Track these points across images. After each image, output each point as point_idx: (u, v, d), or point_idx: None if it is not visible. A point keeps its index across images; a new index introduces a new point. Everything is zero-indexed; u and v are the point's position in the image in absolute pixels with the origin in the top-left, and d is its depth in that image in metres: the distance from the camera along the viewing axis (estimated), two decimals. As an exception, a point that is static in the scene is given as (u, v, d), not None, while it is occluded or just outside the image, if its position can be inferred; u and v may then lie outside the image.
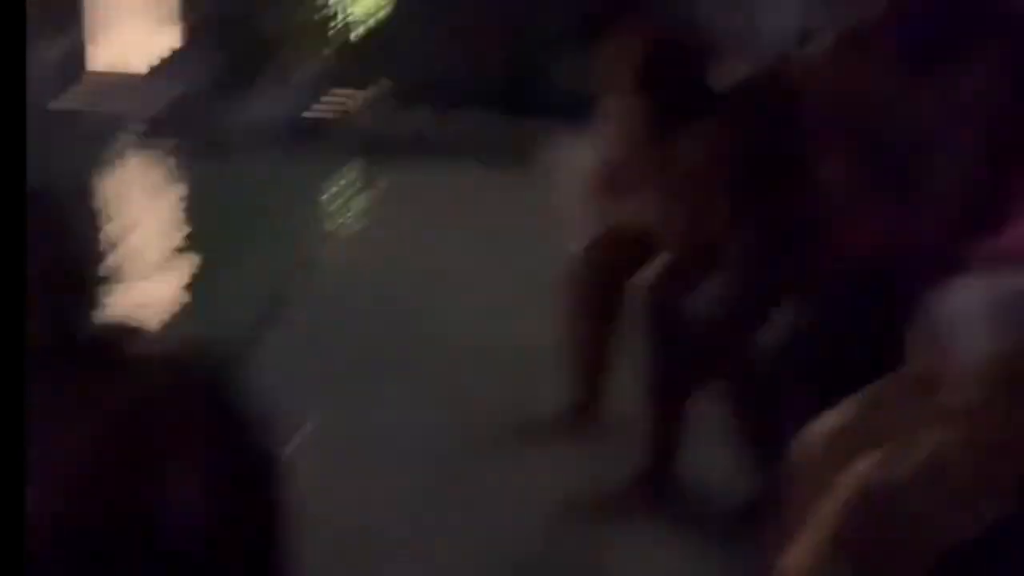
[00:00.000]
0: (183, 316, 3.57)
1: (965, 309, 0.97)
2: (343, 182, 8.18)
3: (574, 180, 5.90)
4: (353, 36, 11.96)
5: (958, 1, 1.42)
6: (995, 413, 0.91)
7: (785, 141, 1.69)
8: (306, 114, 9.25)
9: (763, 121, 1.79)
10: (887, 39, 1.45)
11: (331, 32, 12.19)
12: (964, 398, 0.93)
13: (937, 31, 1.37)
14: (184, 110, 8.83)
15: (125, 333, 0.96)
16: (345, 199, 7.29)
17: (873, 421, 1.01)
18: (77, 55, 11.48)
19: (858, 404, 1.04)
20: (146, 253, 4.71)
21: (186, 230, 5.48)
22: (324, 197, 7.39)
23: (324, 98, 10.16)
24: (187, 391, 0.92)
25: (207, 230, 5.44)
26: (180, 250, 4.88)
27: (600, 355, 2.35)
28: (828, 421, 1.08)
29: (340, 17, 12.36)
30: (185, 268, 4.51)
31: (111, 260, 3.55)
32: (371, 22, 11.78)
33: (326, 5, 12.23)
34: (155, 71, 10.19)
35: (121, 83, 10.26)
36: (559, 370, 2.38)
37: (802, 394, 1.42)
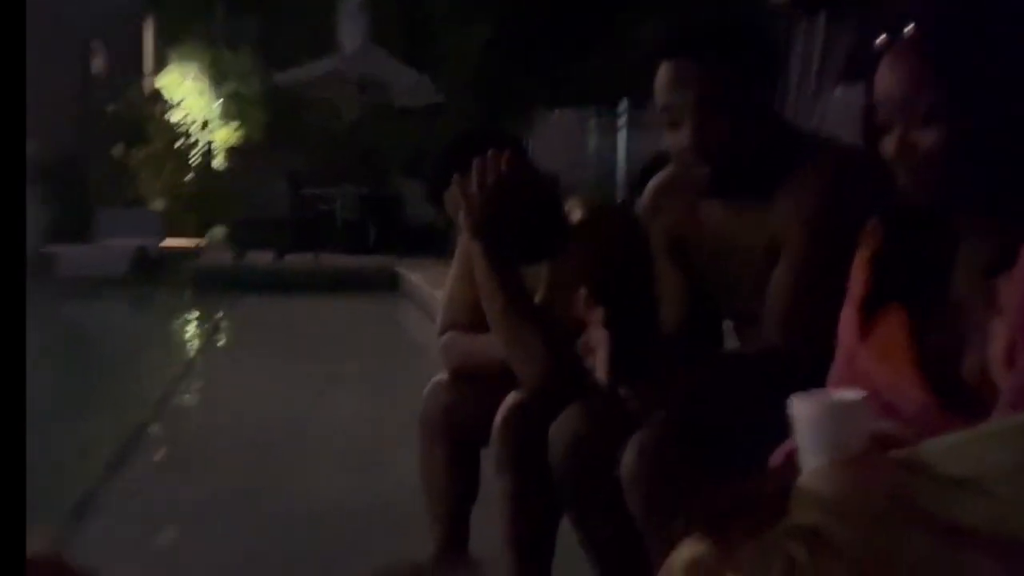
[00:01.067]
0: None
1: (803, 420, 0.95)
2: (188, 318, 8.14)
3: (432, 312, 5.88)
4: (189, 179, 12.07)
5: None
6: (839, 528, 0.90)
7: (634, 272, 1.73)
8: (145, 256, 9.01)
9: (610, 248, 1.81)
10: (713, 184, 1.51)
11: (167, 172, 12.13)
12: (808, 514, 0.92)
13: (735, 168, 1.47)
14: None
15: None
16: (191, 335, 7.20)
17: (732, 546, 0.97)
18: None
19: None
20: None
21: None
22: (170, 333, 7.27)
23: (167, 239, 10.04)
24: None
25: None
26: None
27: (457, 495, 2.20)
28: (687, 551, 1.00)
29: (183, 160, 12.35)
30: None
31: None
32: (215, 164, 11.83)
33: (169, 145, 12.25)
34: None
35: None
36: (421, 515, 2.21)
37: (663, 521, 1.34)
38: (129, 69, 12.66)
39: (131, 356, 6.32)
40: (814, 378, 1.15)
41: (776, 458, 1.10)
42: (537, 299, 1.88)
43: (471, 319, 2.06)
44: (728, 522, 0.97)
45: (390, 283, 8.55)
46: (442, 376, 2.16)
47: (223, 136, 12.50)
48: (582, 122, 8.69)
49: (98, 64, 12.18)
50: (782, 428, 1.01)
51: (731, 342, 1.68)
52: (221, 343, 6.65)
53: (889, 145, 1.05)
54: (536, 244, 1.90)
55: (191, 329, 7.60)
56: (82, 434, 3.62)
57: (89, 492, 2.85)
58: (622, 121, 8.18)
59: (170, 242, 10.28)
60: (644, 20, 7.66)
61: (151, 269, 9.04)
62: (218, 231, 11.16)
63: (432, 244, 9.30)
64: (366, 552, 2.39)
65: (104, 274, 8.56)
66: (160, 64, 13.19)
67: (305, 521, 2.68)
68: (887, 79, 1.04)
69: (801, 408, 0.96)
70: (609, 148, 8.49)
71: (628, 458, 1.46)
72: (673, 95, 1.46)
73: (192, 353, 6.33)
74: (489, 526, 1.95)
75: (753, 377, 1.46)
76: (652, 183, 1.71)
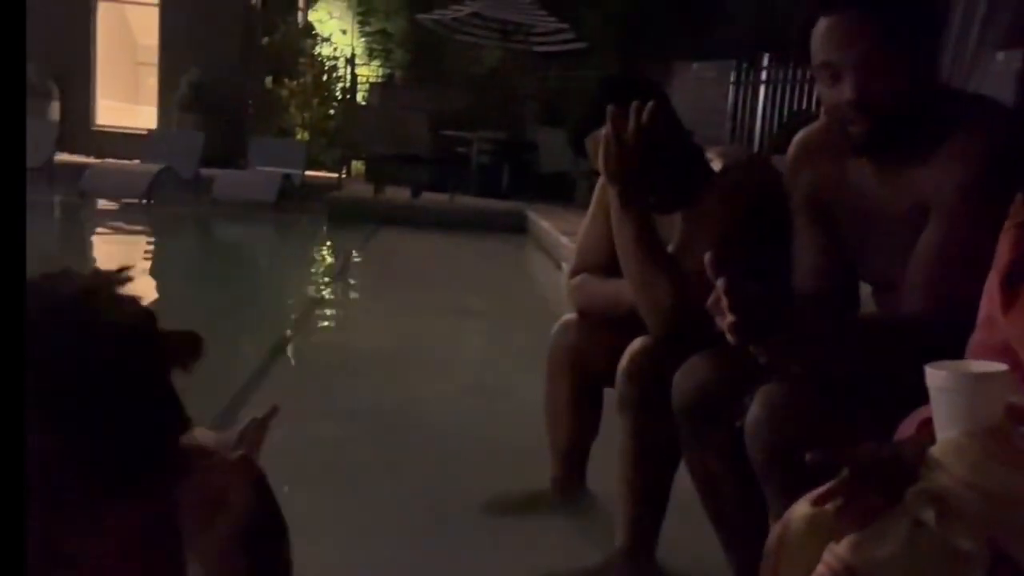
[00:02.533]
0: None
1: (939, 390, 0.96)
2: (326, 245, 8.51)
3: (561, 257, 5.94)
4: (333, 113, 12.48)
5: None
6: (968, 495, 0.92)
7: (771, 228, 1.70)
8: (289, 184, 9.43)
9: (748, 203, 1.81)
10: (850, 136, 1.45)
11: (314, 105, 12.57)
12: (938, 479, 0.94)
13: (895, 125, 1.41)
14: (168, 184, 9.02)
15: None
16: (328, 262, 7.47)
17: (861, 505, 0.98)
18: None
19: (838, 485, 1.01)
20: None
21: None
22: (310, 259, 7.59)
23: (310, 170, 10.46)
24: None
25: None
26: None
27: (579, 430, 2.31)
28: (802, 510, 1.03)
29: (328, 88, 12.77)
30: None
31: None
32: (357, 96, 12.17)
33: (317, 79, 12.68)
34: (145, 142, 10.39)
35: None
36: (541, 445, 2.34)
37: (786, 475, 1.37)
38: (283, 3, 13.10)
39: (274, 277, 6.73)
40: (954, 347, 1.12)
41: (908, 425, 1.10)
42: (671, 247, 1.89)
43: (603, 263, 2.10)
44: (862, 481, 0.97)
45: (519, 226, 8.71)
46: (571, 315, 2.23)
47: (366, 73, 12.84)
48: (722, 75, 8.50)
49: (256, -3, 12.63)
50: (916, 395, 1.01)
51: (868, 306, 1.65)
52: (356, 271, 6.87)
53: None
54: (673, 193, 1.91)
55: (329, 256, 7.98)
56: (229, 345, 3.86)
57: (236, 398, 3.06)
58: (763, 76, 7.97)
59: (313, 173, 10.70)
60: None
61: (295, 197, 9.47)
62: (357, 165, 11.55)
63: (563, 191, 9.39)
64: (487, 475, 2.48)
65: (253, 199, 9.01)
66: (311, 1, 13.60)
67: (432, 440, 2.80)
68: None
69: (938, 377, 0.95)
70: (749, 103, 8.30)
71: (755, 410, 1.45)
72: (834, 50, 1.41)
73: (329, 278, 6.65)
74: (608, 465, 2.00)
75: (890, 342, 1.42)
76: (797, 137, 1.66)
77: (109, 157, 10.62)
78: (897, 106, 1.41)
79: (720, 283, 1.29)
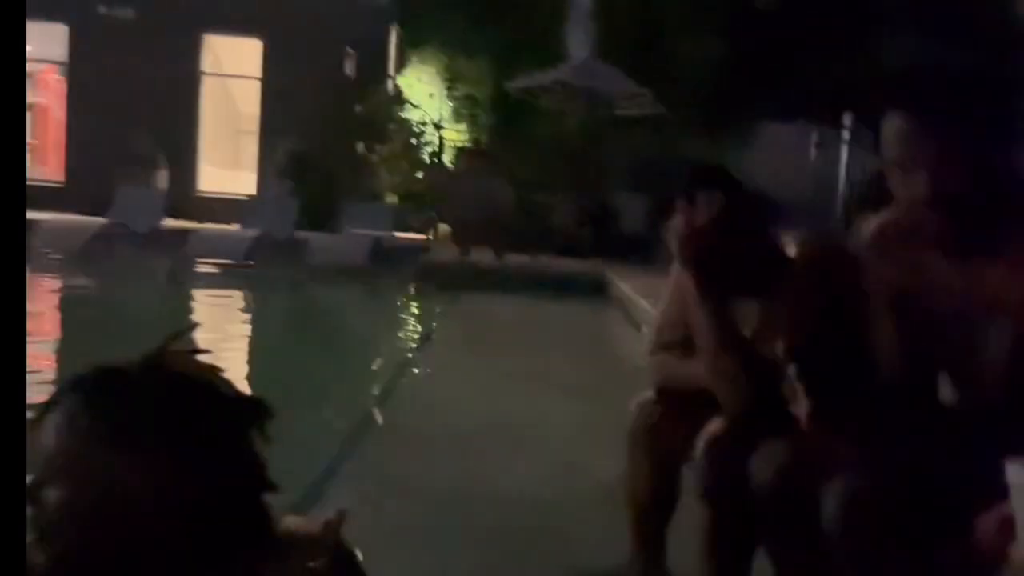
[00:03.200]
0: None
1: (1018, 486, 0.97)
2: (414, 307, 8.73)
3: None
4: (420, 177, 12.80)
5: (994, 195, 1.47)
6: None
7: (845, 312, 1.66)
8: (379, 247, 9.72)
9: (824, 290, 1.76)
10: (926, 230, 1.50)
11: (403, 169, 12.94)
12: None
13: (971, 223, 1.44)
14: (265, 248, 9.37)
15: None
16: (415, 324, 7.68)
17: None
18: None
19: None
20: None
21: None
22: (399, 320, 7.79)
23: (399, 232, 10.77)
24: None
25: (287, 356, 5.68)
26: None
27: (660, 511, 2.33)
28: None
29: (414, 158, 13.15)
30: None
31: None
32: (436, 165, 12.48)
33: (405, 144, 13.07)
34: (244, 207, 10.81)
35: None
36: (622, 523, 2.36)
37: (866, 565, 1.39)
38: (375, 71, 13.60)
39: (365, 339, 6.91)
40: None
41: (987, 521, 1.10)
42: (749, 332, 1.89)
43: (680, 342, 2.09)
44: None
45: (600, 288, 8.78)
46: (651, 393, 2.21)
47: (453, 137, 13.17)
48: (803, 137, 8.49)
49: (350, 66, 13.14)
50: (994, 489, 1.01)
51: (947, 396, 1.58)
52: (441, 334, 6.99)
53: None
54: (750, 278, 1.92)
55: (416, 318, 8.18)
56: (321, 411, 3.95)
57: (330, 467, 3.12)
58: (845, 136, 7.94)
59: (401, 235, 11.00)
60: (881, 37, 7.39)
61: (385, 259, 9.74)
62: (443, 228, 11.82)
63: (642, 251, 9.44)
64: (564, 546, 2.48)
65: (346, 262, 9.30)
66: (400, 67, 14.09)
67: (508, 509, 2.81)
68: None
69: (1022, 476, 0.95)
70: (831, 164, 8.26)
71: (834, 507, 1.43)
72: (905, 147, 1.40)
73: (415, 341, 6.81)
74: (689, 546, 1.96)
75: (966, 434, 1.40)
76: (877, 222, 1.60)
77: (211, 222, 11.13)
78: (970, 203, 1.39)
79: (792, 371, 1.32)
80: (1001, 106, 1.45)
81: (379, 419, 4.19)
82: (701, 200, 1.89)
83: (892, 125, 1.43)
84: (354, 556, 0.99)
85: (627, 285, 7.82)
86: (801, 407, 1.35)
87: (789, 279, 1.86)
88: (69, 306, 7.20)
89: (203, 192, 13.61)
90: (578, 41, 11.02)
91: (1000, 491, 1.00)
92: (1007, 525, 1.01)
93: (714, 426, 1.90)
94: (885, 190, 1.62)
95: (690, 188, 1.91)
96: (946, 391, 1.61)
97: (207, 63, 13.79)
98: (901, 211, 1.51)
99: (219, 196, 13.10)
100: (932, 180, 1.38)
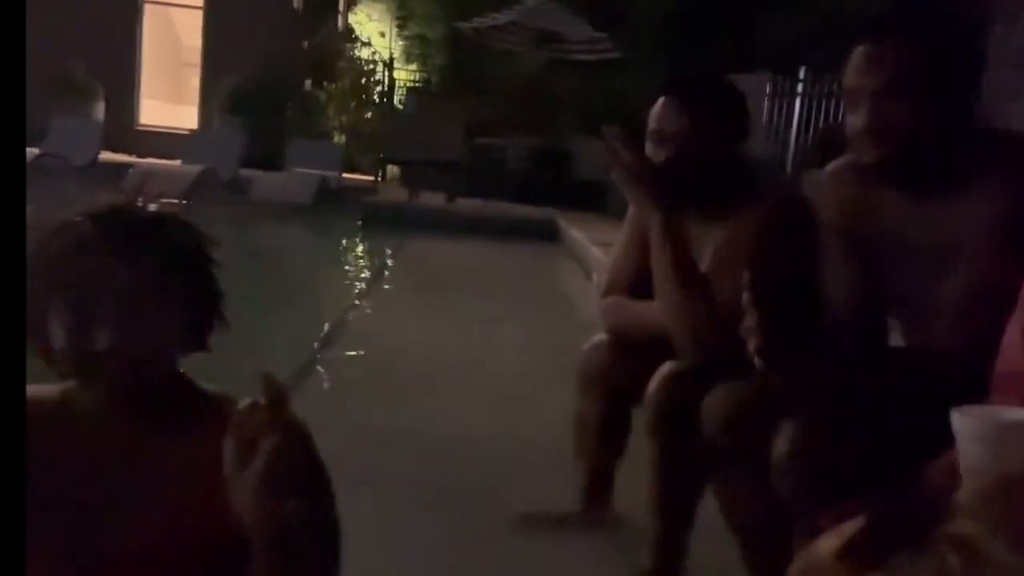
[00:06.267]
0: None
1: (967, 436, 0.97)
2: (361, 249, 8.62)
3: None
4: (370, 117, 12.59)
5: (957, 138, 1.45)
6: (995, 544, 0.91)
7: (805, 254, 1.69)
8: (325, 187, 9.55)
9: (785, 230, 1.81)
10: (887, 172, 1.45)
11: (352, 109, 12.70)
12: (965, 526, 0.93)
13: (921, 161, 1.40)
14: (207, 185, 9.17)
15: None
16: (362, 265, 7.58)
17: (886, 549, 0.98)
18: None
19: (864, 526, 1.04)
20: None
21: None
22: (344, 261, 7.70)
23: (346, 173, 10.59)
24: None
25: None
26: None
27: (607, 450, 2.32)
28: (832, 541, 1.02)
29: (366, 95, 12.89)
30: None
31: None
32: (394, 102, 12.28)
33: (355, 82, 12.81)
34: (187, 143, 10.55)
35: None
36: (568, 464, 2.35)
37: (812, 507, 1.37)
38: (324, 6, 13.25)
39: (308, 279, 6.82)
40: (980, 386, 1.12)
41: (936, 469, 1.09)
42: (704, 267, 1.89)
43: (634, 284, 2.11)
44: (883, 530, 0.96)
45: (551, 234, 8.75)
46: (603, 336, 2.22)
47: (404, 78, 12.94)
48: (758, 87, 8.47)
49: (298, 0, 12.79)
50: (941, 432, 1.00)
51: (895, 339, 1.63)
52: (389, 276, 6.94)
53: None
54: (714, 201, 1.91)
55: (363, 259, 8.08)
56: (261, 348, 3.94)
57: None
58: (799, 88, 7.95)
59: (349, 176, 10.83)
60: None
61: (332, 200, 9.58)
62: (392, 169, 11.67)
63: (595, 200, 9.42)
64: (511, 486, 2.50)
65: (291, 201, 9.13)
66: (351, 4, 13.74)
67: (457, 448, 2.81)
68: None
69: (966, 424, 0.95)
70: (784, 116, 8.27)
71: (780, 444, 1.45)
72: (858, 76, 1.42)
73: (362, 283, 6.74)
74: (636, 484, 2.00)
75: (917, 377, 1.40)
76: (831, 166, 1.64)
77: (151, 156, 10.81)
78: (915, 140, 1.40)
79: (749, 304, 1.29)
80: (958, 45, 1.45)
81: (323, 357, 4.15)
82: (669, 114, 1.88)
83: (853, 57, 1.44)
84: (307, 435, 1.02)
85: (579, 232, 7.81)
86: (753, 348, 1.32)
87: (750, 212, 1.87)
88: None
89: (143, 125, 13.19)
90: (534, -18, 10.82)
91: (948, 438, 1.00)
92: (954, 473, 1.01)
93: (667, 367, 1.90)
94: (836, 144, 1.64)
95: (672, 94, 1.91)
96: (896, 335, 1.64)
97: (148, -9, 13.28)
98: (853, 151, 1.51)
99: (160, 130, 12.71)
100: (876, 110, 1.39)
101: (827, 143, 1.71)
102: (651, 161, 1.89)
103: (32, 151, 9.92)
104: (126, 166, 9.72)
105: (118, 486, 1.00)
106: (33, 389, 1.02)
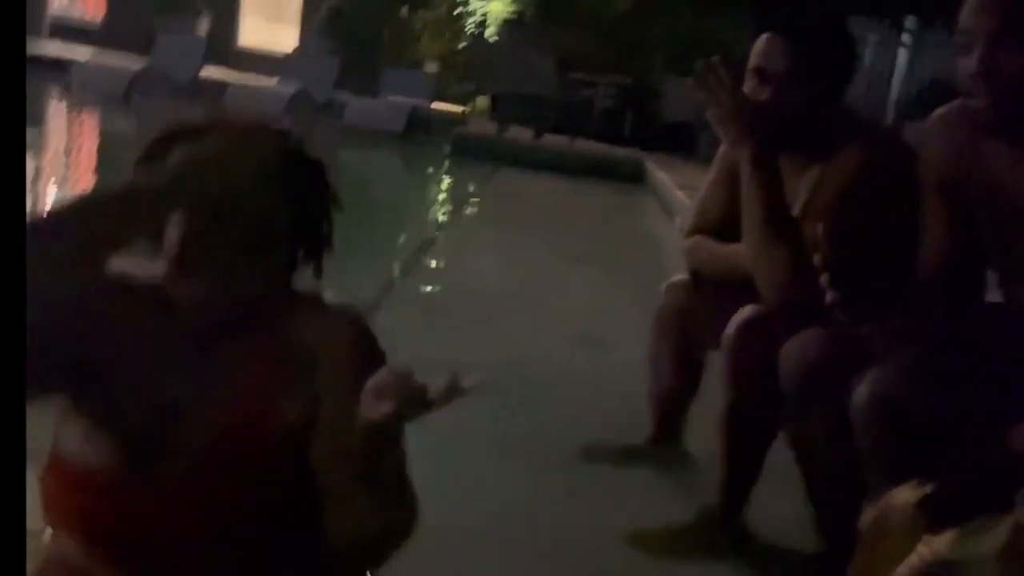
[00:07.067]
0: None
1: None
2: (445, 183, 8.68)
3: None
4: (463, 47, 12.52)
5: None
6: None
7: (895, 203, 1.66)
8: (416, 116, 9.60)
9: (881, 178, 1.76)
10: (997, 117, 1.38)
11: (446, 39, 12.65)
12: None
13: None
14: (302, 107, 9.28)
15: None
16: (446, 199, 7.62)
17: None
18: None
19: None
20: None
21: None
22: (431, 191, 7.78)
23: (434, 104, 10.60)
24: None
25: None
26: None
27: (679, 391, 2.30)
28: (903, 496, 1.05)
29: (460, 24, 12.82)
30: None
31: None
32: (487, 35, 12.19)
33: (450, 12, 12.73)
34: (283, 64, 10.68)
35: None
36: (637, 404, 2.38)
37: (888, 459, 1.39)
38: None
39: (393, 206, 6.92)
40: None
41: (1020, 432, 1.09)
42: (794, 211, 1.84)
43: (720, 226, 2.05)
44: (964, 488, 0.98)
45: (637, 176, 8.67)
46: (682, 276, 2.20)
47: (497, 9, 12.79)
48: (861, 34, 8.14)
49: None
50: None
51: (993, 295, 1.58)
52: (473, 208, 6.98)
53: None
54: (807, 147, 1.86)
55: (448, 190, 8.12)
56: (345, 272, 4.04)
57: None
58: (905, 39, 7.61)
59: (440, 107, 10.84)
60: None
61: (421, 129, 9.63)
62: (482, 101, 11.63)
63: (683, 143, 9.26)
64: (579, 422, 2.49)
65: (382, 127, 9.22)
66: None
67: (532, 386, 2.78)
68: None
69: None
70: (888, 65, 7.95)
71: (863, 391, 1.42)
72: (971, 18, 1.38)
73: (446, 214, 6.77)
74: (704, 425, 2.01)
75: (1008, 334, 1.37)
76: (937, 113, 1.58)
77: (250, 74, 11.01)
78: None
79: (818, 259, 1.25)
80: None
81: (400, 288, 4.19)
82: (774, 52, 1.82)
83: (965, 4, 1.39)
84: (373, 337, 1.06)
85: (665, 175, 7.72)
86: (830, 301, 1.29)
87: (847, 158, 1.80)
88: (107, 150, 7.23)
89: (244, 44, 13.39)
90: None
91: None
92: None
93: (748, 310, 1.87)
94: (941, 98, 1.59)
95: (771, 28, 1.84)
96: (993, 289, 1.59)
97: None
98: (963, 95, 1.45)
99: (259, 50, 12.90)
100: (988, 53, 1.34)
101: (932, 96, 1.63)
102: (748, 99, 1.84)
103: (135, 66, 10.22)
104: (224, 84, 9.94)
105: (198, 377, 1.00)
106: (131, 265, 1.02)
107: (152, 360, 1.00)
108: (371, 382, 0.93)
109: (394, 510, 1.01)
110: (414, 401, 0.92)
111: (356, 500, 0.97)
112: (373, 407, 0.92)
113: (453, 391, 0.93)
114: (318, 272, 1.10)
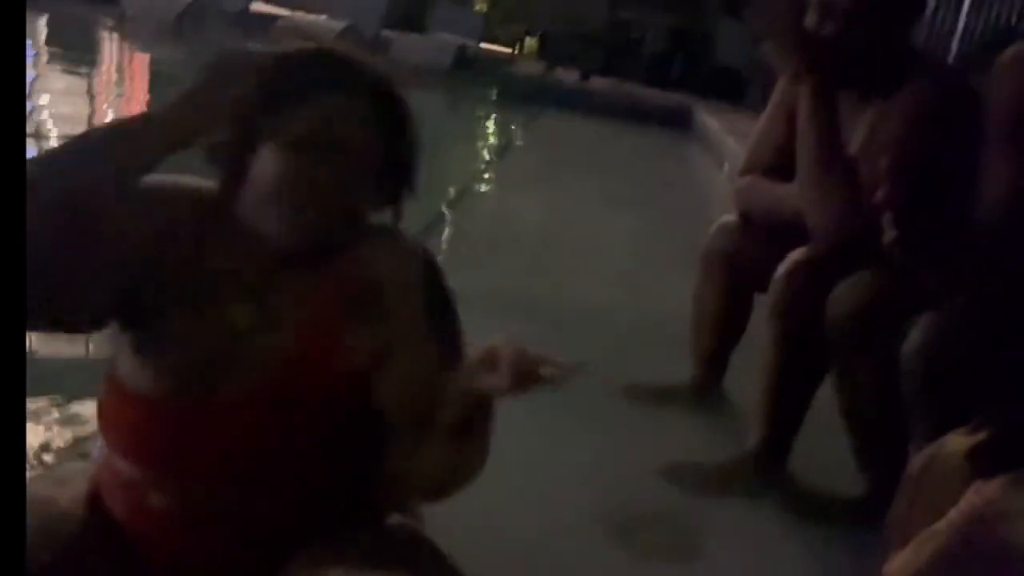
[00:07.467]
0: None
1: None
2: (491, 123, 8.64)
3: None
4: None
5: None
6: None
7: (959, 142, 1.62)
8: (463, 54, 9.53)
9: (941, 116, 1.71)
10: None
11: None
12: None
13: None
14: (350, 41, 9.19)
15: None
16: (491, 138, 7.63)
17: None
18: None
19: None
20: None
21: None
22: (476, 131, 7.72)
23: (481, 43, 10.50)
24: None
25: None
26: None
27: (724, 333, 2.29)
28: (955, 443, 1.03)
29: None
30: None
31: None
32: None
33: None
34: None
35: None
36: (680, 346, 2.37)
37: (936, 407, 1.39)
38: None
39: (438, 144, 6.89)
40: None
41: None
42: (853, 148, 1.81)
43: (774, 165, 2.02)
44: (1014, 439, 0.96)
45: (685, 121, 8.54)
46: (730, 218, 2.17)
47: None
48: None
49: None
50: None
51: None
52: (518, 148, 6.94)
53: None
54: (871, 82, 1.82)
55: (494, 130, 8.10)
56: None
57: None
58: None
59: (487, 46, 10.74)
60: None
61: (469, 68, 9.55)
62: (531, 43, 11.49)
63: (733, 88, 9.08)
64: (619, 361, 2.48)
65: (429, 65, 9.16)
66: None
67: (575, 325, 2.78)
68: None
69: None
70: (951, 12, 7.68)
71: (915, 336, 1.40)
72: None
73: (491, 154, 6.76)
74: (747, 369, 1.98)
75: None
76: (1006, 53, 1.51)
77: (299, 9, 10.95)
78: None
79: (880, 195, 1.20)
80: None
81: (447, 225, 4.20)
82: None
83: None
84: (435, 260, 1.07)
85: (714, 121, 7.60)
86: (890, 240, 1.24)
87: (909, 96, 1.76)
88: (159, 81, 7.28)
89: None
90: None
91: None
92: None
93: (799, 253, 1.84)
94: (1004, 42, 1.53)
95: None
96: None
97: None
98: None
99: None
100: None
101: (997, 46, 1.57)
102: (809, 31, 1.79)
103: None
104: (274, 17, 9.91)
105: (262, 305, 0.99)
106: (196, 182, 1.03)
107: (217, 284, 0.99)
108: (482, 353, 0.93)
109: (467, 463, 1.02)
110: (528, 376, 0.91)
111: (435, 449, 0.98)
112: (486, 379, 0.91)
113: (565, 374, 0.93)
114: (397, 215, 1.09)
